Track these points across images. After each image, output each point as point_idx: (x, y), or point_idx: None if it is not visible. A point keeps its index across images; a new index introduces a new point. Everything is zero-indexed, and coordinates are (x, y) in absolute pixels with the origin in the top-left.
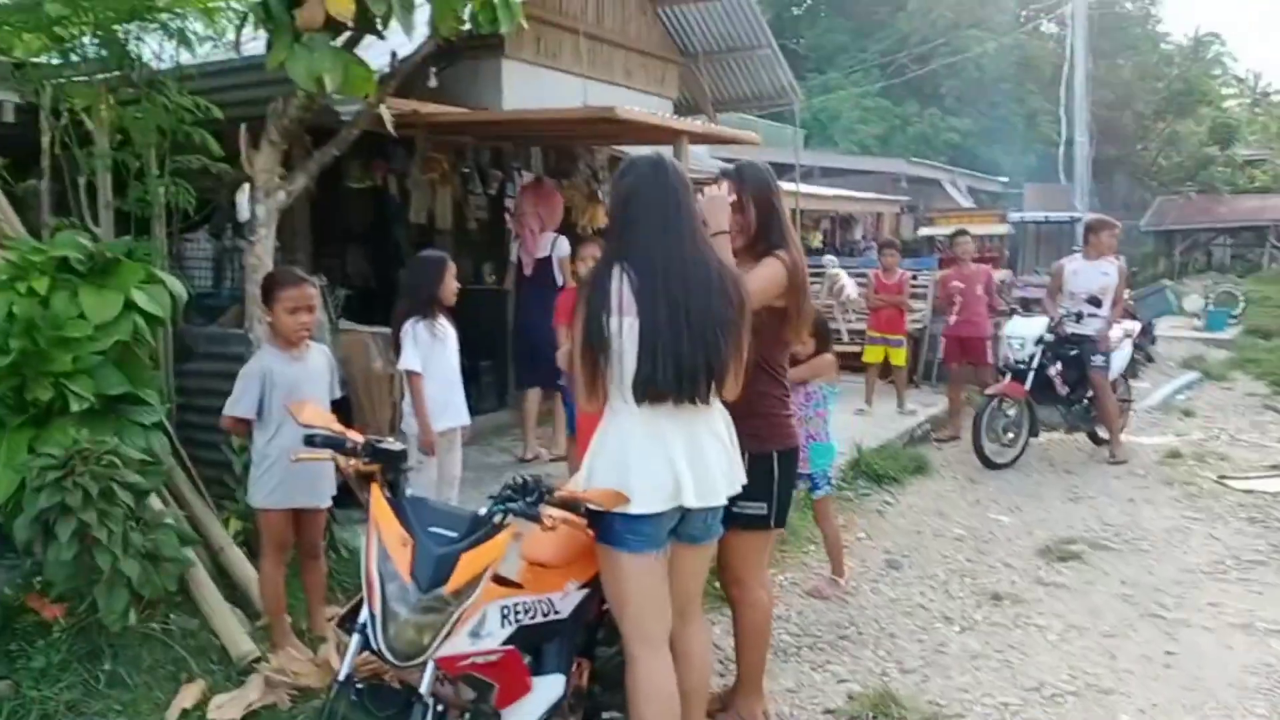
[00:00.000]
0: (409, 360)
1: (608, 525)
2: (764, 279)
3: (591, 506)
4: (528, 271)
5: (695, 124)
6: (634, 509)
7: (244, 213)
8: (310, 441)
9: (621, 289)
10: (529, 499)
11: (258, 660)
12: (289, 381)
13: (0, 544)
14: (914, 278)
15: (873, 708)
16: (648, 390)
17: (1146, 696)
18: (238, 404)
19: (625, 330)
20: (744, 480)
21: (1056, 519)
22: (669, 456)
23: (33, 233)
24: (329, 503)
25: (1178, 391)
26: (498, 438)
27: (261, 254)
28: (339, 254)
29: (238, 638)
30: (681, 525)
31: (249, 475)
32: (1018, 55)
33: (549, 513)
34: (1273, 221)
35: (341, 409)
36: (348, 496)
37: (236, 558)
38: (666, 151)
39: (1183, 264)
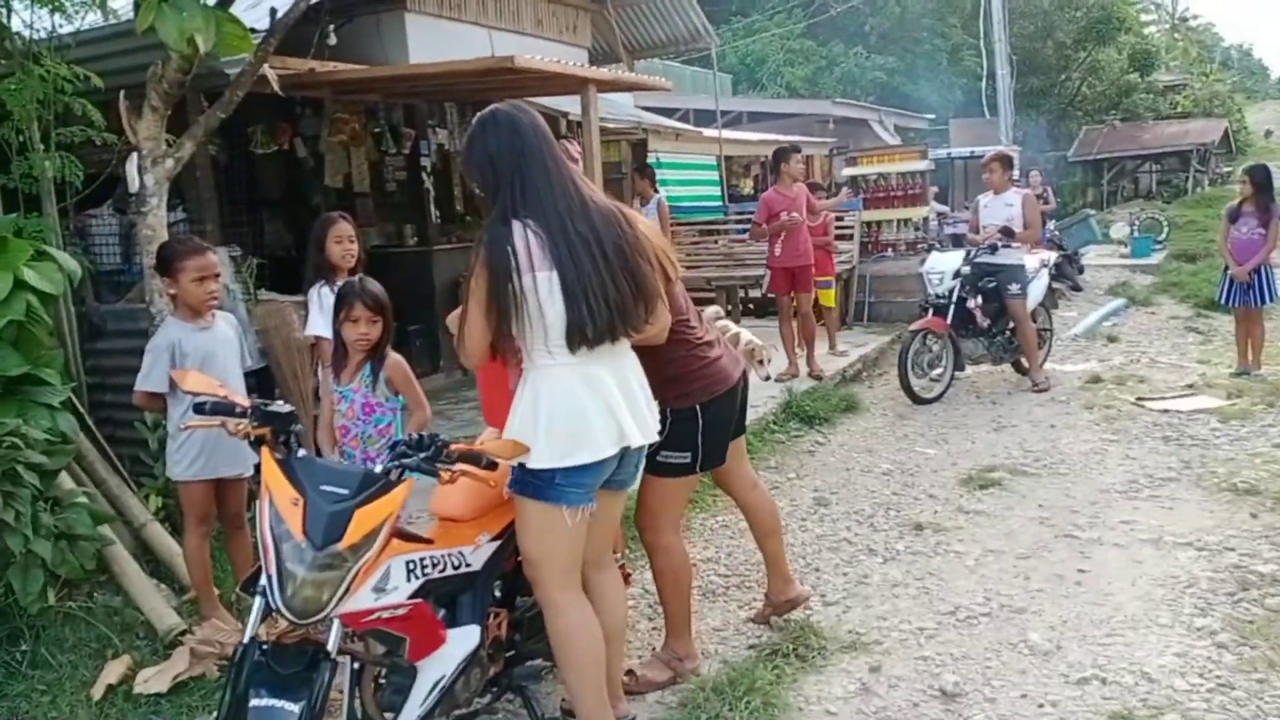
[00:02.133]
0: (315, 325)
1: (546, 481)
2: (649, 230)
3: (493, 458)
4: None
5: (601, 71)
6: (587, 456)
7: (133, 184)
8: (200, 409)
9: (528, 246)
10: (424, 454)
11: (184, 633)
12: (200, 352)
13: None
14: (839, 219)
15: (793, 640)
16: (582, 337)
17: (1057, 614)
18: (148, 378)
19: (540, 286)
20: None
21: (980, 449)
22: (608, 400)
23: None
24: (251, 470)
25: (1104, 319)
26: (433, 402)
27: (155, 224)
28: (253, 222)
29: (162, 612)
30: (615, 470)
31: (166, 450)
32: None
33: (449, 467)
34: (1195, 145)
35: (262, 380)
36: None
37: (158, 533)
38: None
39: (1111, 192)
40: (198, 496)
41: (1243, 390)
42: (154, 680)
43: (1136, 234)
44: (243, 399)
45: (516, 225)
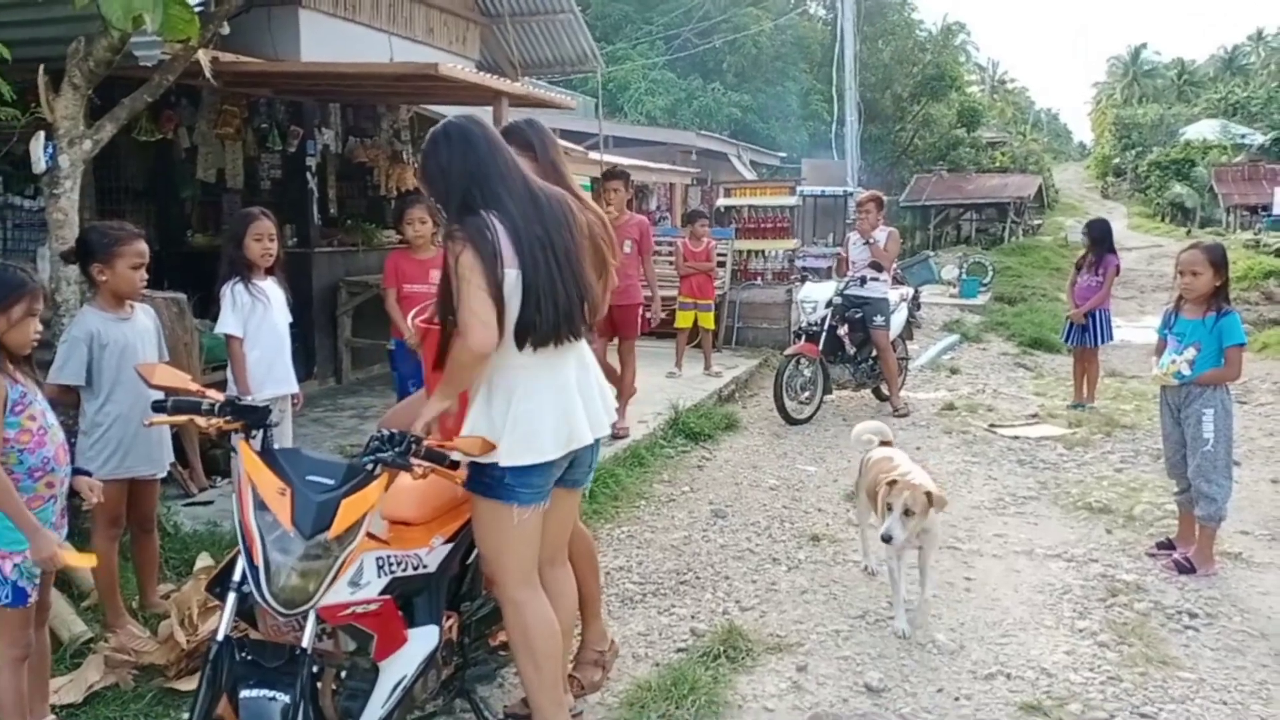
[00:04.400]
0: (227, 323)
1: (496, 480)
2: (594, 218)
3: (457, 457)
4: None
5: (516, 85)
6: (533, 458)
7: (39, 164)
8: (160, 407)
9: (500, 238)
10: (398, 449)
11: (90, 641)
12: (119, 343)
13: None
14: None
15: (721, 642)
16: (529, 337)
17: (955, 617)
18: (63, 370)
19: (509, 281)
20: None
21: (855, 467)
22: (566, 402)
23: None
24: (166, 471)
25: (943, 351)
26: (309, 409)
27: (67, 208)
28: (120, 214)
29: (68, 619)
30: (567, 470)
31: (77, 447)
32: (791, 35)
33: (418, 463)
34: (1013, 198)
35: None
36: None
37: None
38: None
39: (937, 236)
40: (111, 497)
41: (1081, 420)
42: (67, 690)
43: (965, 276)
44: (215, 394)
45: (488, 216)
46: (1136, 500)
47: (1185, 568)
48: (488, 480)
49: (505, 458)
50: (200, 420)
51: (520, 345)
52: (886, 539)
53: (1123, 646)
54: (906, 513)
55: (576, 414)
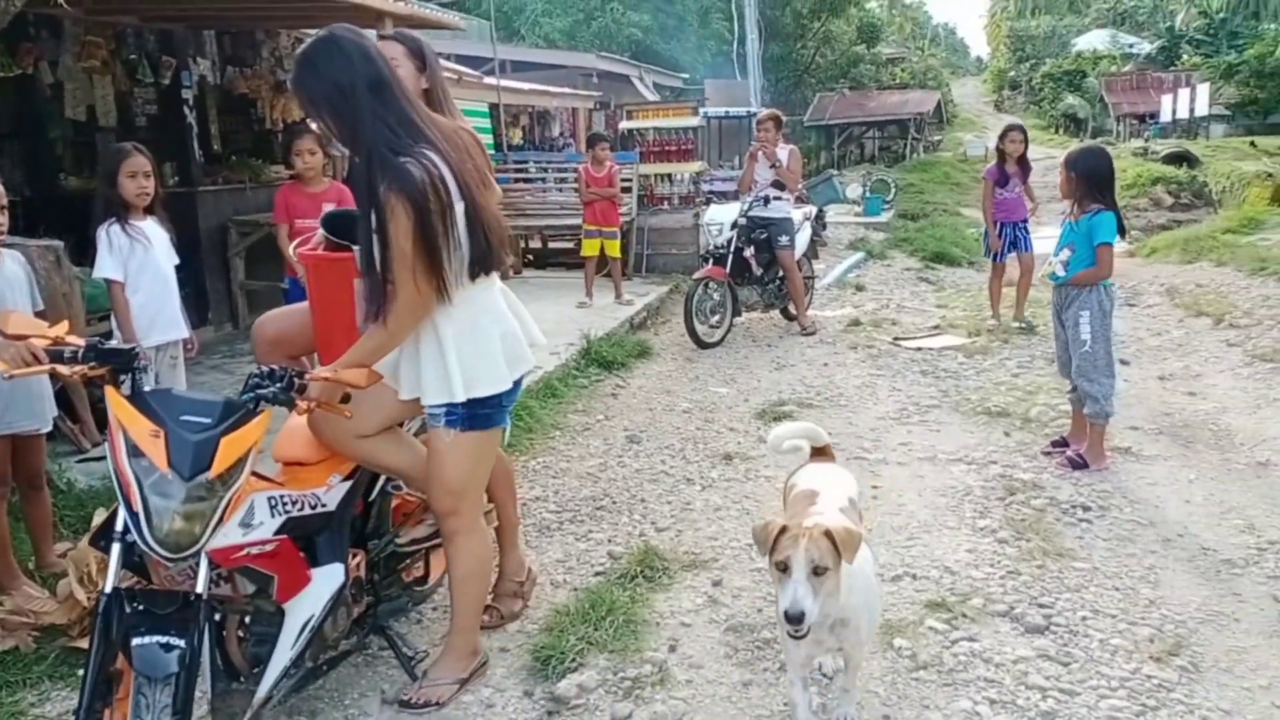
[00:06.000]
0: (104, 267)
1: (494, 406)
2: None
3: (350, 387)
4: None
5: (400, 5)
6: (524, 368)
7: None
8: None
9: (446, 177)
10: (280, 384)
11: None
12: None
13: None
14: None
15: (638, 563)
16: (482, 267)
17: (863, 523)
18: None
19: (459, 218)
20: None
21: (766, 386)
22: (505, 323)
23: None
24: (50, 425)
25: (849, 270)
26: (207, 356)
27: None
28: None
29: None
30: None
31: None
32: None
33: (303, 398)
34: (913, 114)
35: None
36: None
37: None
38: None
39: (840, 155)
40: None
41: (980, 330)
42: None
43: (868, 194)
44: (75, 339)
45: (436, 156)
46: (1032, 403)
47: (1078, 464)
48: (486, 410)
49: (507, 380)
50: (62, 368)
51: (474, 277)
52: (793, 618)
53: (1021, 542)
54: (815, 571)
55: (518, 337)
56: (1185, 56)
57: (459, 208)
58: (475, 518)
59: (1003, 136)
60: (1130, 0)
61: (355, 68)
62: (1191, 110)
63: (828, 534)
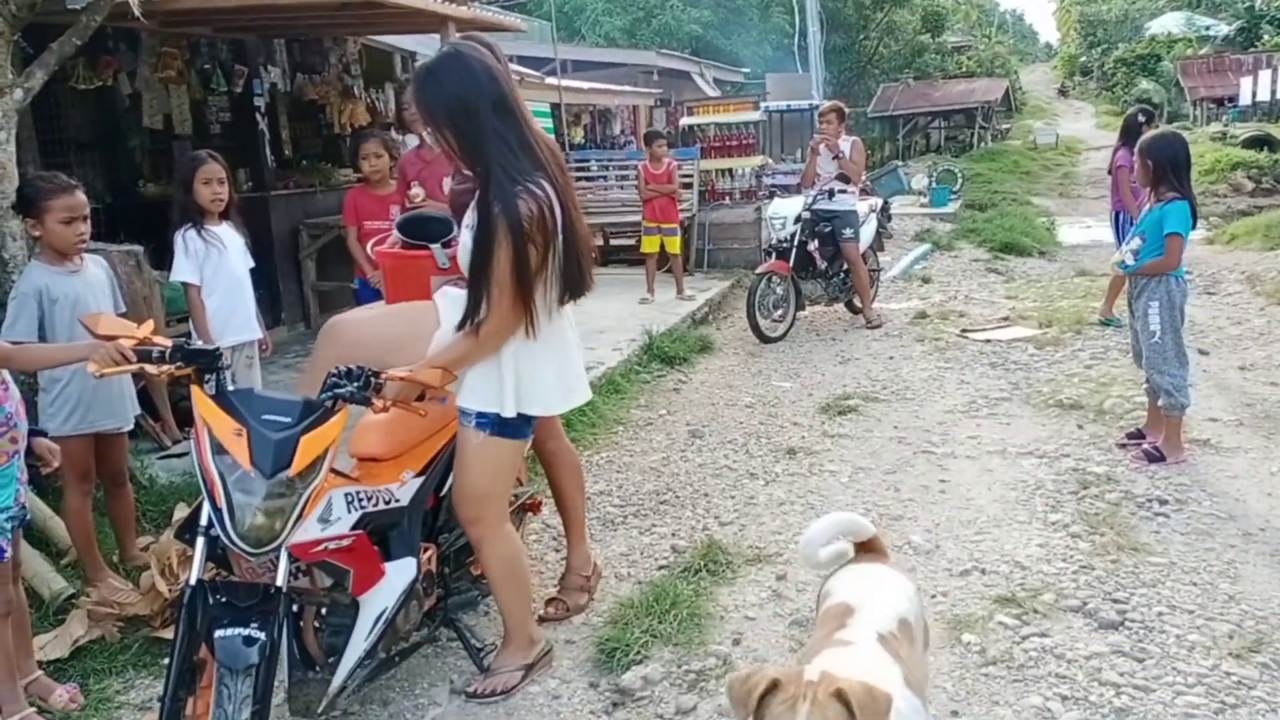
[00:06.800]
0: (181, 271)
1: (526, 420)
2: None
3: (429, 390)
4: None
5: (462, 9)
6: (579, 399)
7: None
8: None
9: (555, 206)
10: (357, 384)
11: (73, 597)
12: (70, 296)
13: None
14: (679, 167)
15: (701, 556)
16: (573, 294)
17: (930, 518)
18: (14, 327)
19: (559, 245)
20: None
21: (830, 380)
22: (574, 355)
23: None
24: (132, 424)
25: (915, 262)
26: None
27: (5, 161)
28: (65, 166)
29: (48, 577)
30: None
31: (38, 404)
32: None
33: (380, 397)
34: (980, 103)
35: None
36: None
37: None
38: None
39: (905, 146)
40: (77, 453)
41: (1052, 320)
42: (52, 645)
43: (935, 185)
44: (163, 340)
45: (544, 182)
46: (1106, 395)
47: (1155, 456)
48: (518, 423)
49: (564, 403)
50: (149, 368)
51: (561, 303)
52: None
53: (1095, 536)
54: None
55: (579, 369)
56: (1266, 37)
57: (561, 238)
58: (500, 522)
59: (1141, 118)
60: None
61: (481, 85)
62: (1273, 92)
63: (839, 694)
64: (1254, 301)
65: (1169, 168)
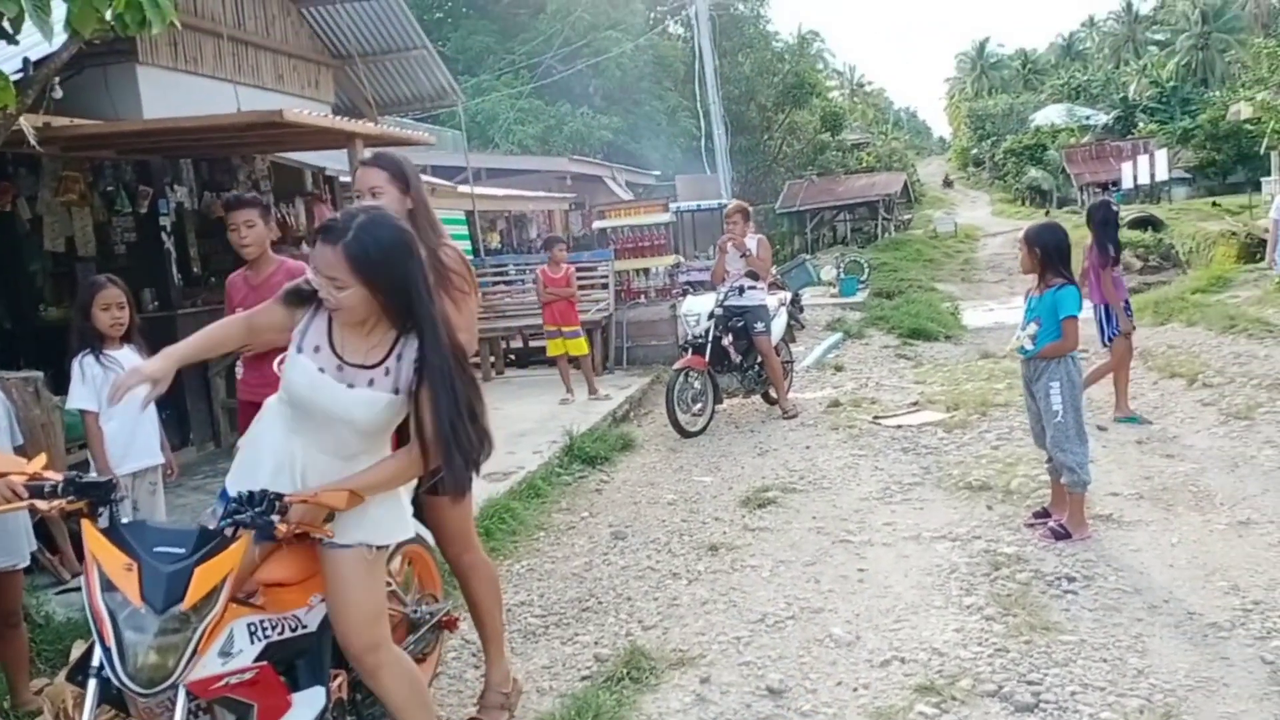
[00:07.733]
0: (76, 398)
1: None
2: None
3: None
4: None
5: (369, 126)
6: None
7: None
8: None
9: None
10: (257, 509)
11: None
12: None
13: None
14: (594, 268)
15: (624, 664)
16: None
17: (850, 609)
18: None
19: None
20: None
21: (750, 472)
22: None
23: None
24: (27, 560)
25: (827, 351)
26: (188, 478)
27: None
28: None
29: None
30: None
31: None
32: (652, 55)
33: (282, 523)
34: (881, 195)
35: None
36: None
37: None
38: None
39: (814, 239)
40: None
41: (959, 403)
42: None
43: (843, 275)
44: (52, 474)
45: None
46: (1013, 475)
47: (1061, 534)
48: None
49: (395, 533)
50: (41, 504)
51: None
52: None
53: (1008, 618)
54: None
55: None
56: (1141, 124)
57: None
58: (390, 644)
59: (1102, 209)
60: (1083, 75)
61: (413, 250)
62: (1152, 175)
63: None
64: (1147, 376)
65: (1054, 255)
